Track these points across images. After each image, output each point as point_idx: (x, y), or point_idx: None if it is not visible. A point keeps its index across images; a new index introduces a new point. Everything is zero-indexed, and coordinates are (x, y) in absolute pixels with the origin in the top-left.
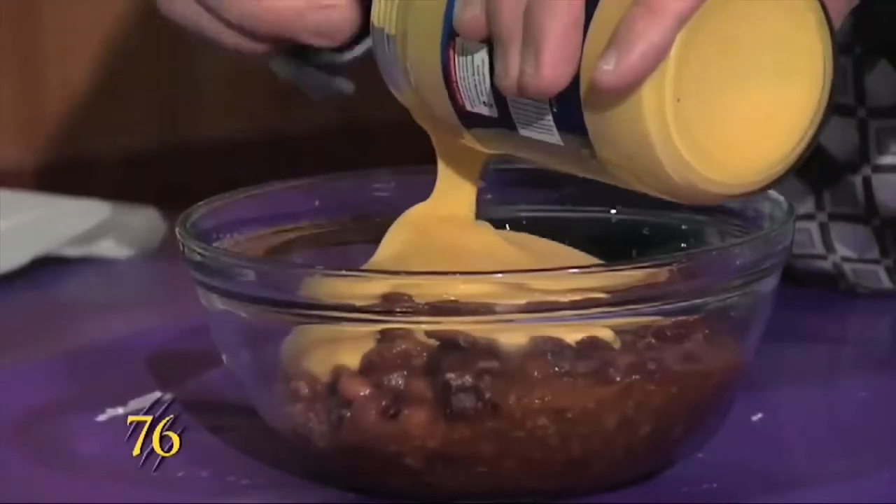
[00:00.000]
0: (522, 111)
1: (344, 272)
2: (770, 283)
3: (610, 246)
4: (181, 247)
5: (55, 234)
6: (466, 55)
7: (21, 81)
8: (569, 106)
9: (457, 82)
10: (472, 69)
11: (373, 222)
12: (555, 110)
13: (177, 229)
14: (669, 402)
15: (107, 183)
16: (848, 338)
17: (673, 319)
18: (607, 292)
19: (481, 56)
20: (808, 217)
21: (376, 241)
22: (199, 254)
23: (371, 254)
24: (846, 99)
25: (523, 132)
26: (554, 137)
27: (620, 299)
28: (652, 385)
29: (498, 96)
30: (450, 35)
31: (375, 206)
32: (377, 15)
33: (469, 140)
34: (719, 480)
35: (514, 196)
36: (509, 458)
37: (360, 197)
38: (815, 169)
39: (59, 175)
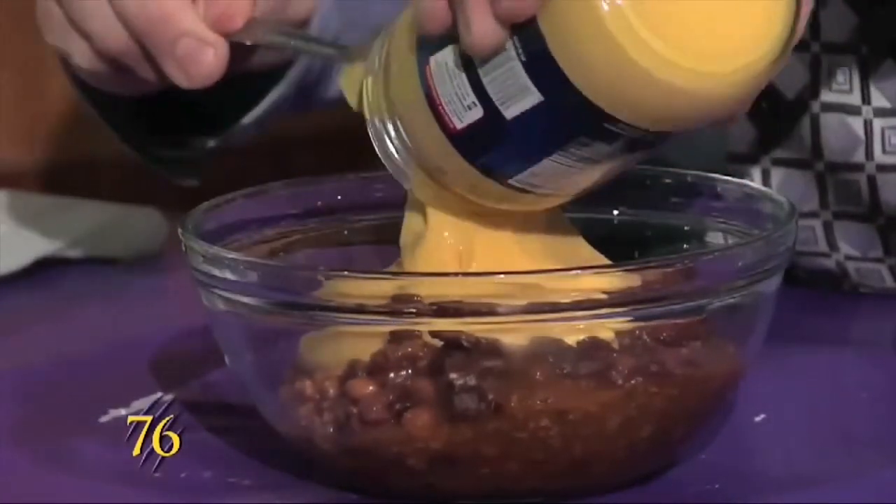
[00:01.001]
0: (499, 86)
1: (346, 273)
2: (772, 285)
3: (613, 247)
4: (183, 248)
5: (57, 236)
6: (440, 66)
7: (23, 82)
8: (534, 44)
9: (441, 105)
10: (449, 76)
11: (373, 222)
12: (523, 59)
13: (179, 230)
14: (671, 404)
15: (109, 184)
16: (850, 339)
17: (675, 321)
18: (610, 293)
19: (451, 56)
20: (813, 215)
21: (377, 241)
22: (201, 255)
23: (373, 253)
24: (852, 99)
25: (509, 113)
26: (534, 95)
27: (623, 300)
28: (654, 387)
29: (477, 87)
30: (423, 65)
31: (376, 207)
32: (369, 108)
33: (479, 188)
34: (721, 481)
35: None
36: (512, 459)
37: (362, 197)
38: (818, 168)
39: (60, 176)
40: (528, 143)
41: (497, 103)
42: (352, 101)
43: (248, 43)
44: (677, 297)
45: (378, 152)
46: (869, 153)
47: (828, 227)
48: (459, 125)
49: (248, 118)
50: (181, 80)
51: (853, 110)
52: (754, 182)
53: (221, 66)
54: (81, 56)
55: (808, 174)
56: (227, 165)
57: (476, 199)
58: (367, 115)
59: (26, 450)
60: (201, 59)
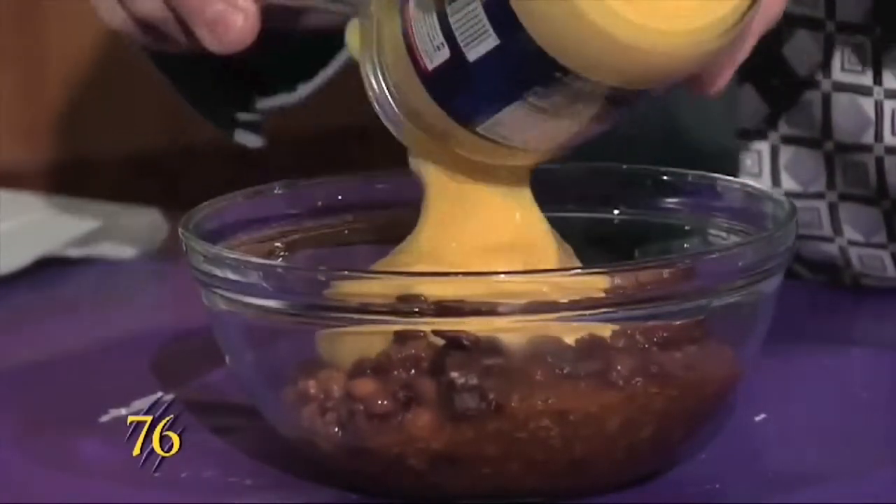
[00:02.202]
0: (463, 27)
1: (346, 272)
2: (773, 284)
3: (612, 247)
4: (184, 247)
5: (58, 235)
6: (417, 7)
7: (23, 81)
8: None
9: (416, 46)
10: (423, 16)
11: (375, 222)
12: (484, 2)
13: (180, 230)
14: (672, 405)
15: (109, 184)
16: (851, 338)
17: (675, 321)
18: (610, 293)
19: (426, 3)
20: (819, 196)
21: (378, 241)
22: (201, 254)
23: (373, 253)
24: (864, 79)
25: (471, 55)
26: (492, 38)
27: (623, 300)
28: (654, 388)
29: (445, 27)
30: (403, 4)
31: (378, 207)
32: (360, 54)
33: (453, 136)
34: (722, 481)
35: None
36: (513, 459)
37: (363, 197)
38: (827, 147)
39: (61, 176)
40: (489, 88)
41: (461, 45)
42: (354, 52)
43: (277, 3)
44: (677, 297)
45: (371, 100)
46: (878, 134)
47: (833, 209)
48: (430, 66)
49: (311, 84)
50: (212, 44)
51: (865, 91)
52: (763, 159)
53: (252, 30)
54: (116, 19)
55: (817, 153)
56: (229, 166)
57: (454, 147)
58: (359, 60)
59: (26, 449)
60: (231, 23)
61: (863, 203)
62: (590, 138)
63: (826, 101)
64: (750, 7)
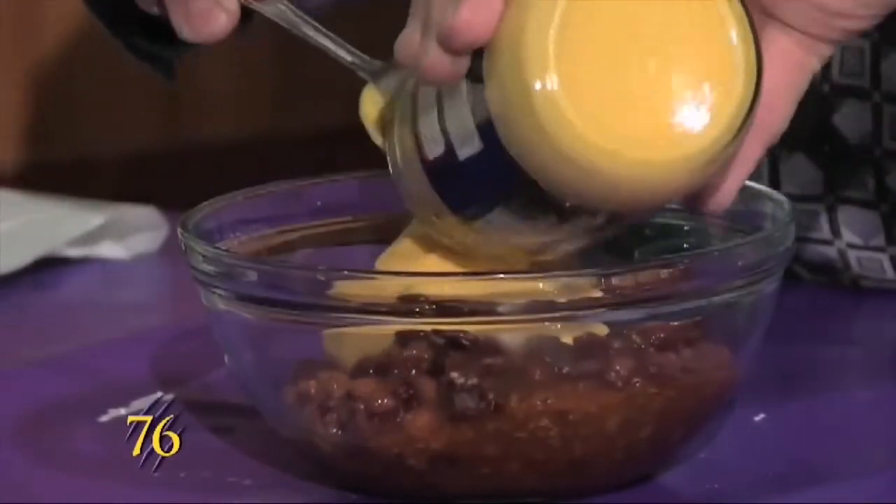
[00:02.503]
0: (454, 124)
1: (346, 272)
2: (772, 284)
3: (613, 247)
4: (183, 247)
5: (57, 235)
6: (423, 96)
7: (23, 81)
8: (477, 90)
9: (419, 134)
10: (426, 106)
11: (373, 222)
12: (469, 102)
13: (179, 230)
14: (671, 405)
15: (108, 184)
16: (850, 338)
17: (674, 322)
18: (609, 293)
19: (429, 88)
20: (817, 199)
21: (377, 241)
22: (200, 254)
23: (372, 253)
24: (862, 82)
25: (461, 153)
26: (477, 142)
27: (622, 300)
28: (653, 388)
29: (441, 121)
30: (415, 92)
31: (376, 207)
32: (383, 130)
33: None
34: (721, 481)
35: None
36: (512, 458)
37: (361, 197)
38: (827, 151)
39: (59, 176)
40: (478, 188)
41: (453, 141)
42: (366, 121)
43: (264, 13)
44: (676, 297)
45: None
46: (877, 138)
47: (832, 212)
48: (429, 157)
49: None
50: (185, 32)
51: (863, 94)
52: (764, 160)
53: (229, 28)
54: None
55: (816, 157)
56: (228, 166)
57: (451, 237)
58: (373, 132)
59: (25, 449)
60: (213, 21)
61: (861, 206)
62: (586, 247)
63: (825, 104)
64: (734, 138)
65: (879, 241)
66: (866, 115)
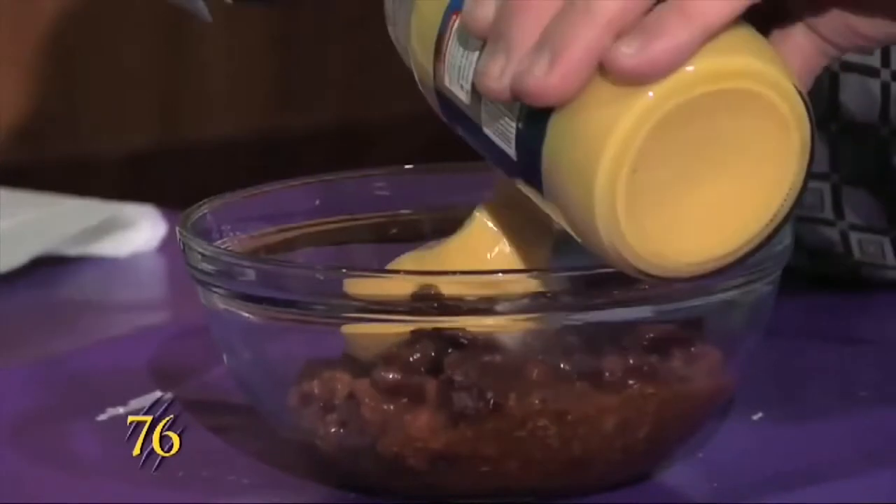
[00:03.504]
0: (490, 113)
1: (344, 270)
2: (770, 283)
3: None
4: (182, 246)
5: (55, 234)
6: (462, 39)
7: (23, 81)
8: (535, 129)
9: (445, 60)
10: (463, 46)
11: (372, 221)
12: (520, 126)
13: (177, 228)
14: (668, 405)
15: (107, 182)
16: (848, 338)
17: (672, 322)
18: (606, 292)
19: (468, 38)
20: (823, 177)
21: (376, 239)
22: (199, 253)
23: (372, 252)
24: (871, 60)
25: (486, 130)
26: (510, 151)
27: (620, 299)
28: (650, 388)
29: (475, 89)
30: (455, 8)
31: (375, 206)
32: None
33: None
34: (719, 480)
35: None
36: (511, 458)
37: (360, 196)
38: (834, 129)
39: (59, 174)
40: (487, 154)
41: (481, 116)
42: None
43: None
44: (675, 295)
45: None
46: (885, 118)
47: (836, 191)
48: (447, 83)
49: None
50: None
51: (873, 72)
52: None
53: None
54: None
55: (823, 134)
56: (227, 164)
57: None
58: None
59: (23, 448)
60: None
61: (866, 187)
62: None
63: (834, 81)
64: (769, 237)
65: (882, 222)
66: (875, 92)
